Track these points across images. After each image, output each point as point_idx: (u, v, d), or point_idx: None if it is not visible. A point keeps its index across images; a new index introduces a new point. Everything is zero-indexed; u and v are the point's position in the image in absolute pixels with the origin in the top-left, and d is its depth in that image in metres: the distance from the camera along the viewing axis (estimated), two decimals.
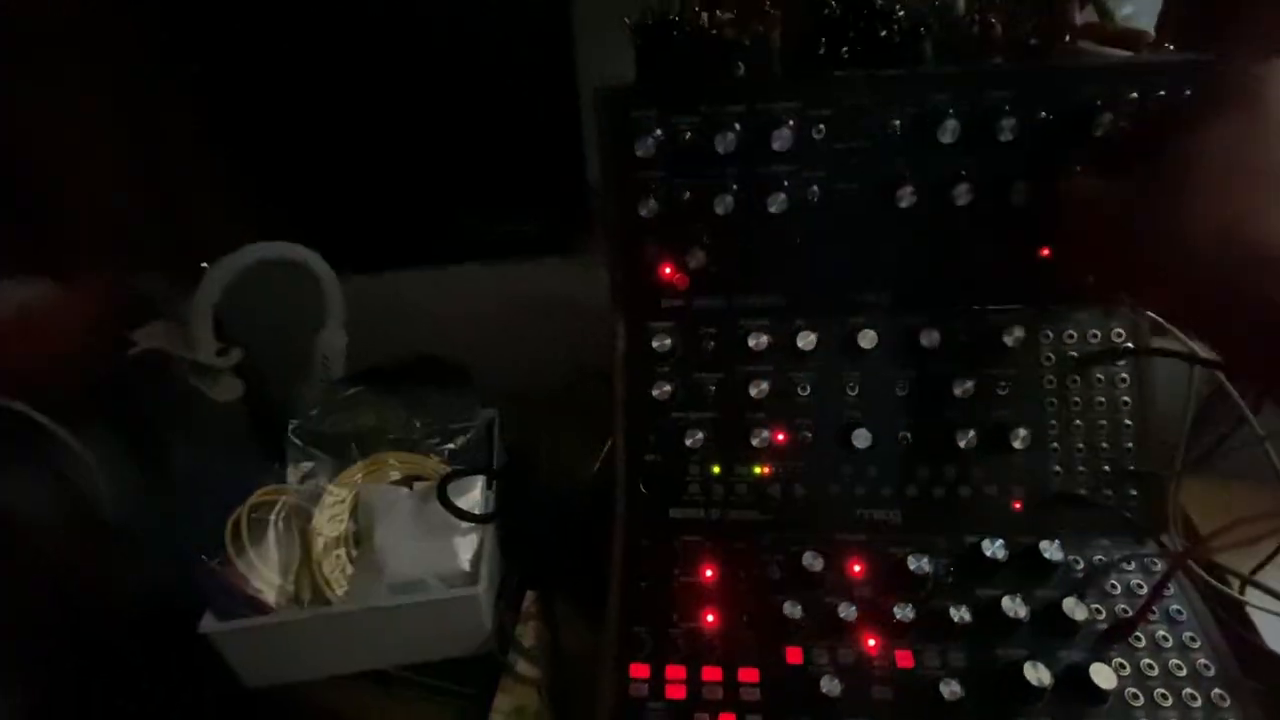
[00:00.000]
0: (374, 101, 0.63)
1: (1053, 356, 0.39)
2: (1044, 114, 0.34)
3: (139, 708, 0.42)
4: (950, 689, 0.32)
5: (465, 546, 0.42)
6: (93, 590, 0.50)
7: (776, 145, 0.35)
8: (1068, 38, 0.37)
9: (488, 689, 0.40)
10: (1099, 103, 0.34)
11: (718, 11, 0.42)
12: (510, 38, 0.61)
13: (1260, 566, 0.40)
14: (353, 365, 0.62)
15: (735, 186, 0.37)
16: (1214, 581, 0.38)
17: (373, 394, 0.48)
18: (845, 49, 0.40)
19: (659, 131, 0.36)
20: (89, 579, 0.51)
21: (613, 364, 0.42)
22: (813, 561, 0.36)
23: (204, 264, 0.71)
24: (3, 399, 0.54)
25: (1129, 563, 0.36)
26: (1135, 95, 0.34)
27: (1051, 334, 0.39)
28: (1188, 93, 0.33)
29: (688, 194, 0.37)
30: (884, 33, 0.40)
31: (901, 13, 0.40)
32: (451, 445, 0.46)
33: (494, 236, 0.74)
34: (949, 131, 0.34)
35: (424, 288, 0.73)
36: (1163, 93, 0.33)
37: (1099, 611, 0.35)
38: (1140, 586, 0.36)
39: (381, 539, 0.41)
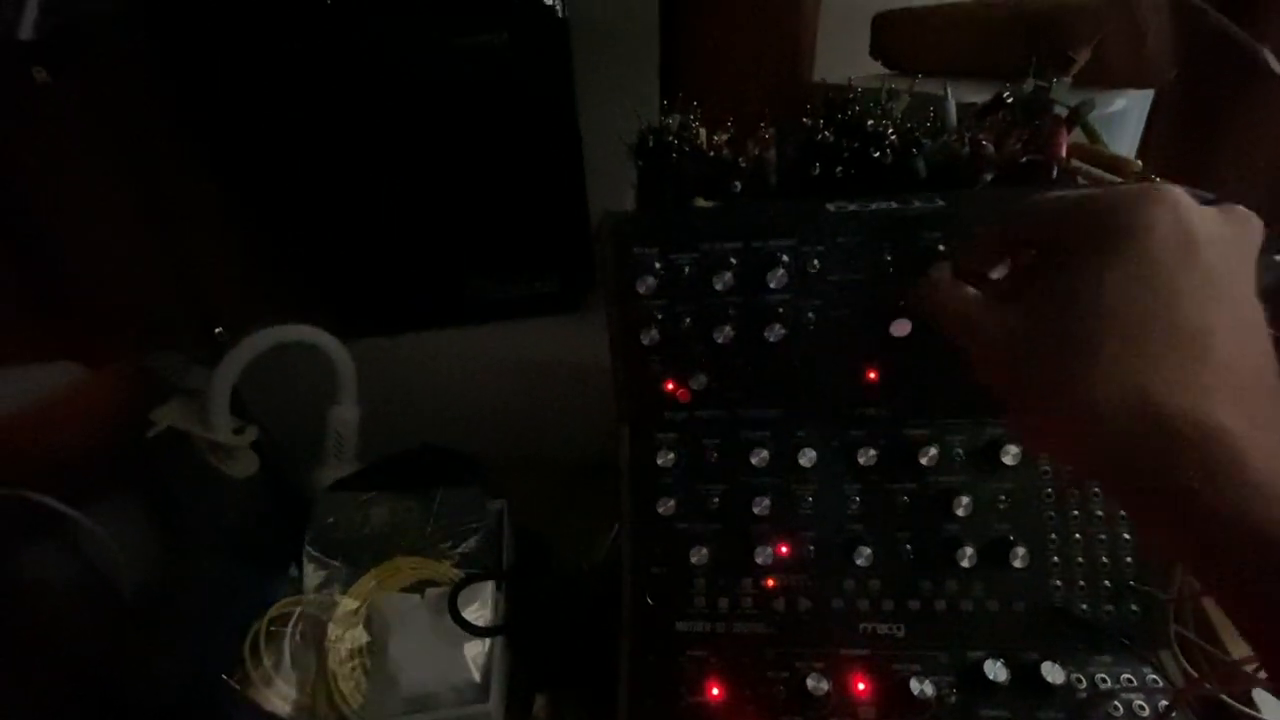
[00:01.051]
0: (380, 164, 0.64)
1: (1050, 470, 0.40)
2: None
3: None
4: None
5: (477, 656, 0.43)
6: (114, 678, 0.51)
7: (773, 284, 0.36)
8: (1058, 165, 0.38)
9: None
10: None
11: (715, 135, 0.44)
12: (514, 96, 0.63)
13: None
14: (365, 433, 0.63)
15: (733, 314, 0.38)
16: (1224, 695, 0.38)
17: (385, 496, 0.50)
18: (839, 169, 0.42)
19: (659, 266, 0.38)
20: (110, 666, 0.52)
21: (618, 475, 0.44)
22: (817, 684, 0.37)
23: (218, 329, 0.73)
24: (24, 489, 0.55)
25: (1132, 683, 0.37)
26: None
27: None
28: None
29: (688, 321, 0.39)
30: (876, 154, 0.41)
31: (894, 135, 0.41)
32: (462, 549, 0.47)
33: (502, 297, 0.76)
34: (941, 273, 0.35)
35: (434, 350, 0.74)
36: None
37: None
38: (1143, 709, 0.36)
39: (396, 651, 0.42)
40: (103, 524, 0.58)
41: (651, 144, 0.44)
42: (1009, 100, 0.42)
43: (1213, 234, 0.23)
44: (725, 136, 0.44)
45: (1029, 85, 0.44)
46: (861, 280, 0.37)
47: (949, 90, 0.45)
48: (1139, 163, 0.39)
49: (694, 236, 0.37)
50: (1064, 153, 0.38)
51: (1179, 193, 0.23)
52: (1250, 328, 0.23)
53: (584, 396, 0.68)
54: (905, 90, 0.47)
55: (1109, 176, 0.40)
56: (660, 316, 0.39)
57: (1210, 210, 0.23)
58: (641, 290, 0.37)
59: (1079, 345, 0.23)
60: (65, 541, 0.58)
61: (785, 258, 0.37)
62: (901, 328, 0.37)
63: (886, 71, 0.71)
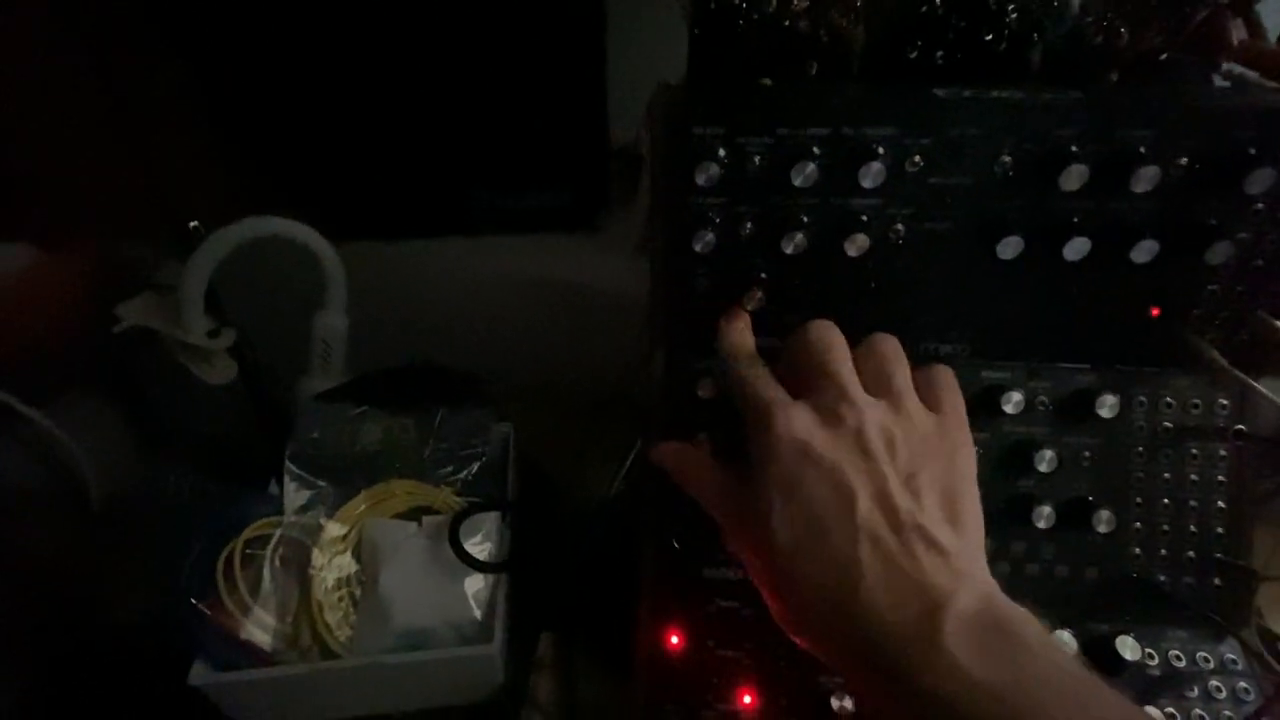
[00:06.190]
0: (374, 53, 0.57)
1: (1145, 426, 0.35)
2: (1186, 160, 0.29)
3: None
4: None
5: (480, 591, 0.39)
6: (76, 593, 0.47)
7: (866, 182, 0.29)
8: (1227, 51, 0.31)
9: None
10: (1253, 151, 0.28)
11: (796, 3, 0.35)
12: None
13: None
14: (354, 345, 0.57)
15: (807, 221, 0.32)
16: None
17: (378, 412, 0.44)
18: (941, 54, 0.35)
19: (723, 153, 0.31)
20: (72, 579, 0.48)
21: (644, 404, 0.38)
22: None
23: (194, 223, 0.66)
24: None
25: (1208, 663, 0.33)
26: None
27: (1146, 400, 0.35)
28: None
29: (750, 225, 0.32)
30: (989, 37, 0.34)
31: (1015, 15, 0.34)
32: (464, 475, 0.42)
33: (509, 206, 0.69)
34: (1075, 178, 0.29)
35: (432, 260, 0.67)
36: None
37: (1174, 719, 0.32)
38: (1219, 690, 0.33)
39: (387, 582, 0.38)
40: (64, 425, 0.52)
41: (714, 5, 0.36)
42: None
43: (824, 443, 0.25)
44: (805, 3, 0.36)
45: None
46: (970, 185, 0.30)
47: None
48: None
49: (769, 119, 0.30)
50: (1233, 47, 0.31)
51: (793, 422, 0.25)
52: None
53: (594, 322, 0.62)
54: None
55: (1268, 83, 0.33)
56: (718, 218, 0.32)
57: (823, 424, 0.26)
58: (701, 181, 0.30)
59: (761, 529, 0.25)
60: (22, 442, 0.52)
61: (882, 150, 0.30)
62: (1011, 248, 0.30)
63: None
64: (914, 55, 0.35)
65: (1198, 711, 0.32)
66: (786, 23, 0.35)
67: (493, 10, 0.56)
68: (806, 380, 0.27)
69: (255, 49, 0.57)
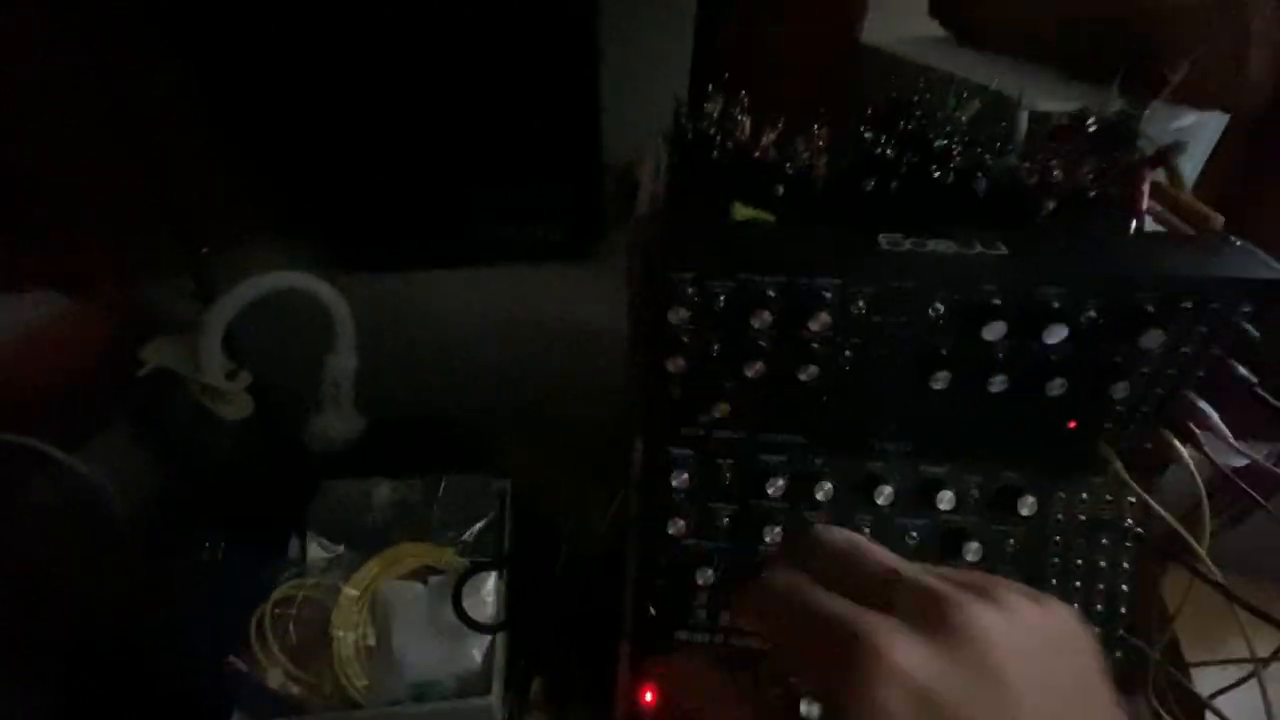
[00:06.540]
0: (376, 86, 0.59)
1: (1063, 519, 0.40)
2: (1092, 315, 0.33)
3: None
4: None
5: (480, 645, 0.44)
6: (109, 622, 0.52)
7: (815, 327, 0.34)
8: (1141, 202, 0.35)
9: None
10: (1149, 311, 0.32)
11: (764, 135, 0.39)
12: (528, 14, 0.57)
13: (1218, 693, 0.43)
14: (361, 374, 0.61)
15: (765, 348, 0.36)
16: None
17: (387, 481, 0.49)
18: (894, 184, 0.39)
19: (692, 292, 0.35)
20: (106, 607, 0.52)
21: (628, 493, 0.43)
22: (809, 710, 0.39)
23: (204, 249, 0.70)
24: (10, 433, 0.54)
25: None
26: (1188, 306, 0.32)
27: (1064, 496, 0.40)
28: None
29: (716, 350, 0.37)
30: (937, 173, 0.38)
31: (960, 155, 0.38)
32: (466, 537, 0.47)
33: (502, 238, 0.72)
34: (995, 329, 0.33)
35: (434, 292, 0.71)
36: (1216, 306, 0.32)
37: None
38: None
39: (399, 639, 0.43)
40: (95, 466, 0.57)
41: (690, 136, 0.40)
42: (1092, 128, 0.38)
43: (949, 684, 0.17)
44: (773, 135, 0.39)
45: (1113, 104, 0.40)
46: (907, 326, 0.35)
47: (1022, 100, 0.41)
48: (1220, 218, 0.36)
49: (733, 263, 0.34)
50: (1145, 204, 0.35)
51: (896, 655, 0.17)
52: None
53: (589, 354, 0.66)
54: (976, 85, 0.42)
55: (1182, 227, 0.37)
56: (687, 342, 0.37)
57: (936, 650, 0.18)
58: (673, 320, 0.35)
59: None
60: (56, 485, 0.57)
61: (829, 295, 0.34)
62: (942, 380, 0.35)
63: (941, 34, 0.64)
64: (870, 187, 0.39)
65: None
66: (756, 154, 0.39)
67: (489, 43, 0.59)
68: (858, 595, 0.20)
69: (259, 79, 0.59)
